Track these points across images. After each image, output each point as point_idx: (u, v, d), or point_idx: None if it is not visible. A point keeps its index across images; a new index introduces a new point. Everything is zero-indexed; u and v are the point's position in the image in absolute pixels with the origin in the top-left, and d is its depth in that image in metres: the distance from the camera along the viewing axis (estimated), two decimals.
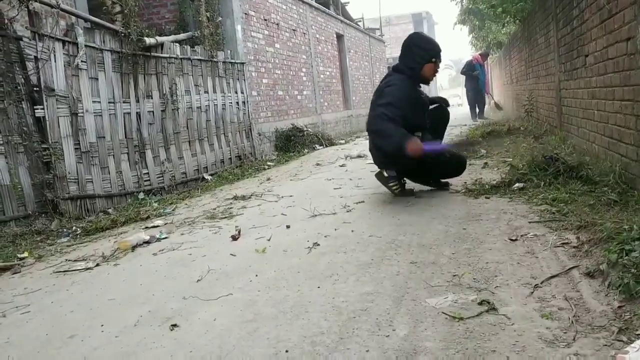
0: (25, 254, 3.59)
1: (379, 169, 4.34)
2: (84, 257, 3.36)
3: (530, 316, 1.82)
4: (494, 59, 17.96)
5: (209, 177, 6.81)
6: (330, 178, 5.80)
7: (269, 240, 3.28)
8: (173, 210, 4.86)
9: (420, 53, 4.08)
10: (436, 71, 4.22)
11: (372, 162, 4.67)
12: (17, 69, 4.45)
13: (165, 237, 3.69)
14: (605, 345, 1.58)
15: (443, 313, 1.92)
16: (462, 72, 14.53)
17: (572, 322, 1.74)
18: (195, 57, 6.94)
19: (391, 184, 4.19)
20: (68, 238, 4.08)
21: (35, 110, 4.54)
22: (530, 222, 2.99)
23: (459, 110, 22.95)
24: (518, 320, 1.80)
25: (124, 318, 2.22)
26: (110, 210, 4.98)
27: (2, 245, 3.86)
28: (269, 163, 8.09)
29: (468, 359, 1.59)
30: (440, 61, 4.21)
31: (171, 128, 6.32)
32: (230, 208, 4.58)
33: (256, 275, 2.60)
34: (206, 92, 7.19)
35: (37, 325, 2.27)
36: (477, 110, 14.03)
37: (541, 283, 2.10)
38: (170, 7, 8.37)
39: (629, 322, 1.68)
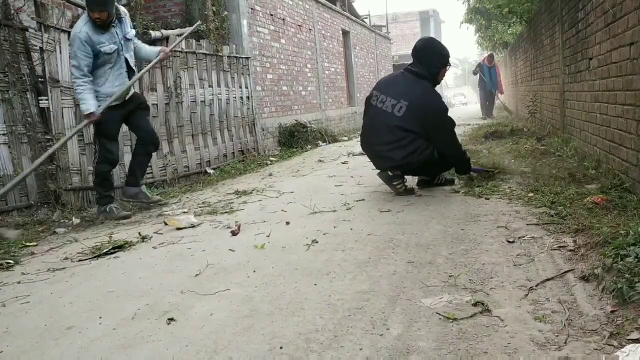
0: (34, 244, 3.63)
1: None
2: (83, 249, 3.38)
3: (523, 318, 1.84)
4: (499, 58, 17.96)
5: (211, 171, 6.84)
6: (332, 175, 5.81)
7: (268, 236, 3.30)
8: (174, 203, 4.88)
9: (439, 58, 4.23)
10: (444, 75, 4.41)
11: None
12: (23, 59, 4.47)
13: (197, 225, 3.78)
14: (596, 349, 1.59)
15: (437, 313, 1.93)
16: (474, 72, 15.58)
17: (564, 325, 1.75)
18: (200, 51, 6.96)
19: (395, 183, 4.22)
20: (69, 229, 4.11)
21: (40, 101, 4.56)
22: (528, 225, 3.00)
23: (464, 109, 22.89)
24: (511, 322, 1.81)
25: (122, 310, 2.25)
26: None
27: None
28: (271, 158, 8.11)
29: (460, 359, 1.61)
30: (450, 66, 4.40)
31: (175, 121, 6.34)
32: (231, 203, 4.60)
33: (254, 271, 2.62)
34: (210, 86, 7.21)
35: (36, 315, 2.30)
36: (487, 107, 14.55)
37: (536, 286, 2.12)
38: (177, 0, 8.36)
39: (620, 326, 1.69)
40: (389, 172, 4.24)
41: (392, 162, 4.16)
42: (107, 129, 4.27)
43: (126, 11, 4.37)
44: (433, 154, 4.12)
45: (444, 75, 4.34)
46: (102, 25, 4.05)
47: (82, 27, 4.01)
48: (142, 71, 4.50)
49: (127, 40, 4.31)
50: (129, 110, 4.40)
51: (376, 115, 4.23)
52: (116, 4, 4.17)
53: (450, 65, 4.34)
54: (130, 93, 4.41)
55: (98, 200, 4.39)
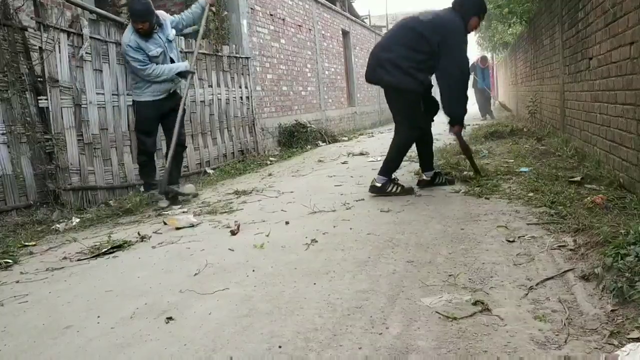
0: (33, 243, 3.62)
1: (372, 180, 4.37)
2: (82, 249, 3.38)
3: (523, 318, 1.83)
4: (499, 59, 18.01)
5: (211, 171, 6.83)
6: (332, 175, 5.81)
7: (267, 235, 3.30)
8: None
9: (475, 4, 4.24)
10: (477, 27, 4.39)
11: (374, 159, 4.70)
12: (22, 59, 4.46)
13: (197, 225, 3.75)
14: (596, 348, 1.59)
15: (437, 312, 1.93)
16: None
17: (564, 324, 1.74)
18: (200, 51, 6.94)
19: (389, 189, 4.21)
20: (67, 228, 4.10)
21: (39, 101, 4.55)
22: (528, 224, 3.00)
23: None
24: (511, 322, 1.81)
25: (121, 310, 2.24)
26: (111, 202, 4.99)
27: (3, 234, 3.88)
28: (271, 158, 8.10)
29: (459, 358, 1.60)
30: (483, 20, 4.41)
31: None
32: (231, 203, 4.59)
33: (253, 271, 2.61)
34: (210, 86, 7.20)
35: (34, 315, 2.29)
36: (485, 107, 14.59)
37: (536, 285, 2.11)
38: (177, 0, 8.36)
39: (620, 325, 1.69)
40: (376, 184, 4.24)
41: (373, 76, 4.34)
42: (144, 126, 4.82)
43: (166, 15, 4.85)
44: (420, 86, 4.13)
45: (475, 27, 4.31)
46: (145, 33, 4.59)
47: (130, 36, 4.59)
48: (199, 35, 5.17)
49: (170, 41, 4.82)
50: (169, 108, 4.86)
51: (402, 22, 4.35)
52: (157, 11, 4.69)
53: (484, 18, 4.35)
54: (174, 88, 4.93)
55: (143, 185, 5.10)
